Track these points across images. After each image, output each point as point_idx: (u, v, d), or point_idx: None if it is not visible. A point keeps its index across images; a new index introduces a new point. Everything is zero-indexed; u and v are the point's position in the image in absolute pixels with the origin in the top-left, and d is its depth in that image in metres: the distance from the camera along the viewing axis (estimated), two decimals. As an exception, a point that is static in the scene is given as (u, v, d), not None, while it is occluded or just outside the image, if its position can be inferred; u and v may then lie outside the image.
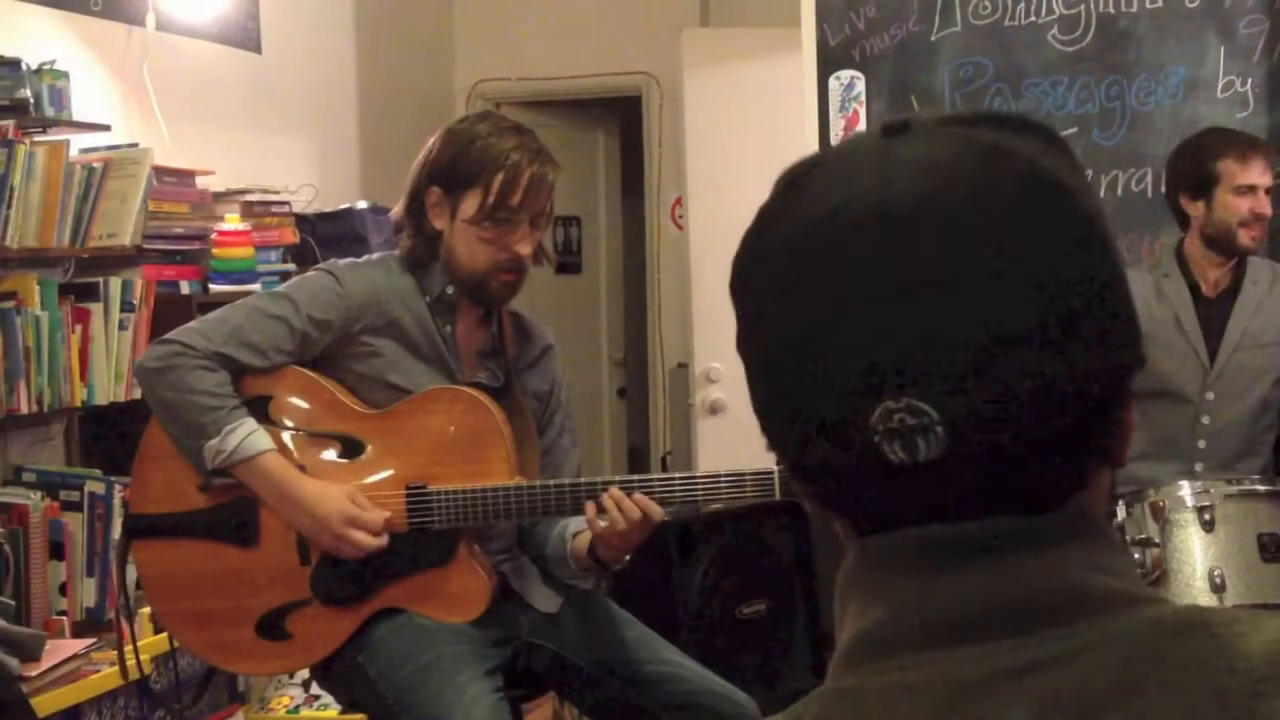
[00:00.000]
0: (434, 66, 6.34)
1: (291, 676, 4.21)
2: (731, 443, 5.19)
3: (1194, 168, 3.74)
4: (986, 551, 0.78)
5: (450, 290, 2.64)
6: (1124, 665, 0.75)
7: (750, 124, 5.38)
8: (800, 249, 0.80)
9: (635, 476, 2.55)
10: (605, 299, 7.24)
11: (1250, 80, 4.37)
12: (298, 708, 4.25)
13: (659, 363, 6.56)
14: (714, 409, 5.53)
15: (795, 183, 0.83)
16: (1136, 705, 0.74)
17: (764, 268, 0.82)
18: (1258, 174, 3.63)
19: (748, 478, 2.53)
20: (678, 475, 2.57)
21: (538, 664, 2.71)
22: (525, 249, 2.62)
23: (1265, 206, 3.64)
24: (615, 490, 2.48)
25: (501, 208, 2.57)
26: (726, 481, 2.55)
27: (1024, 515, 0.79)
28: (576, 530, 2.62)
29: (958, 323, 0.75)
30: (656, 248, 6.51)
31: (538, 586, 2.73)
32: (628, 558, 2.63)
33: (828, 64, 4.81)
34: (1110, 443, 0.82)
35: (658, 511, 2.49)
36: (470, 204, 2.57)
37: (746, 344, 0.84)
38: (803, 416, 0.79)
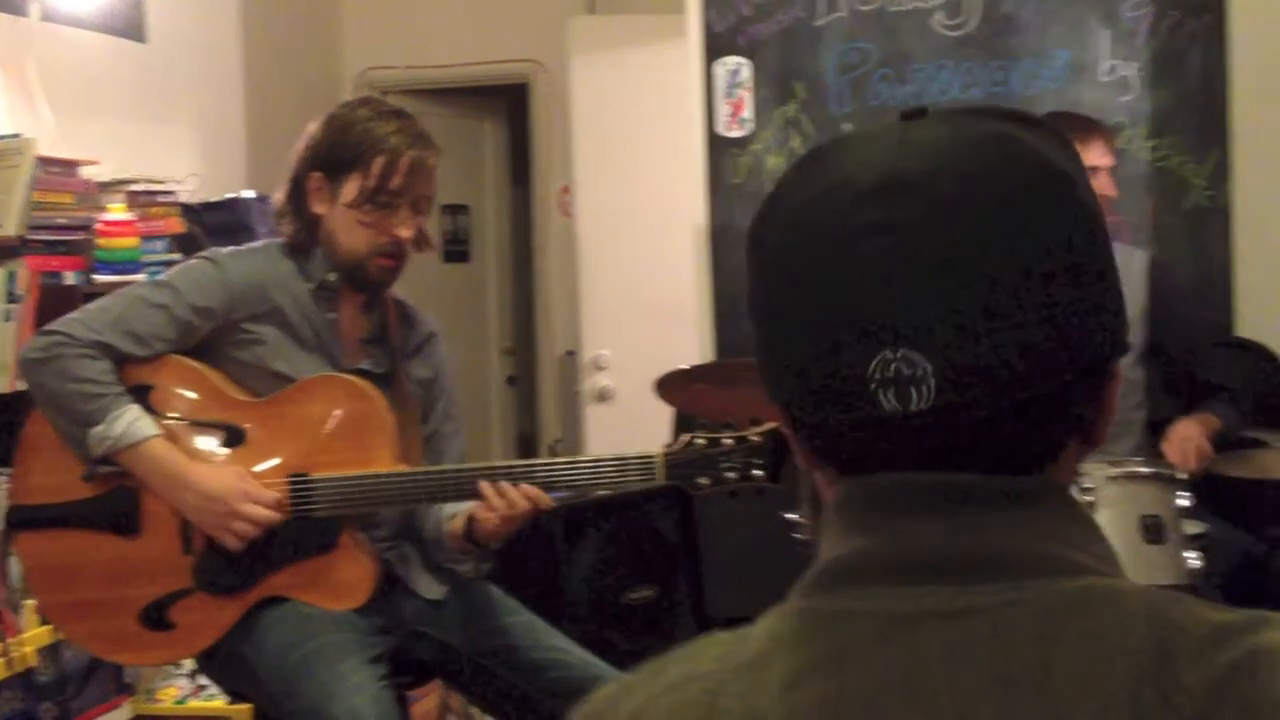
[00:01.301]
0: (321, 54, 6.29)
1: (178, 667, 4.20)
2: (619, 429, 5.18)
3: None
4: (954, 503, 0.83)
5: (332, 276, 2.63)
6: (1044, 622, 0.79)
7: (637, 111, 5.36)
8: (812, 211, 0.86)
9: (519, 462, 2.54)
10: (494, 287, 7.20)
11: (1134, 64, 4.43)
12: (185, 699, 4.23)
13: (548, 351, 6.54)
14: (602, 396, 5.51)
15: (815, 155, 0.90)
16: (1044, 657, 0.78)
17: (777, 228, 0.88)
18: (1097, 156, 3.68)
19: (630, 462, 2.52)
20: (560, 460, 2.56)
21: (423, 651, 2.70)
22: (406, 233, 2.62)
23: (1106, 187, 3.69)
24: (503, 484, 2.46)
25: (381, 191, 2.57)
26: (608, 466, 2.53)
27: (993, 476, 0.84)
28: (453, 513, 2.61)
29: (958, 286, 0.81)
30: (545, 235, 6.49)
31: (422, 574, 2.73)
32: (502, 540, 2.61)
33: (713, 50, 4.81)
34: (1090, 421, 0.88)
35: (546, 500, 2.49)
36: (351, 188, 2.58)
37: (756, 303, 0.90)
38: (805, 366, 0.85)
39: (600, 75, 5.49)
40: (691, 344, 4.76)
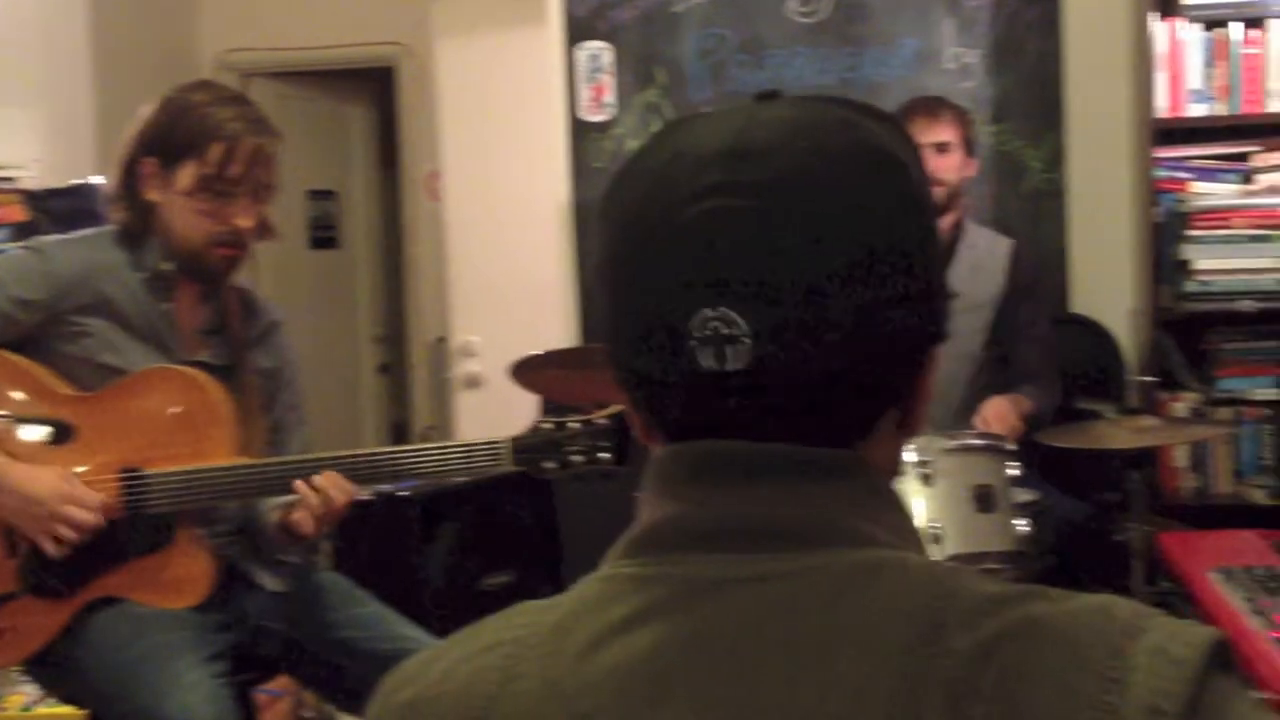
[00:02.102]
0: (176, 34, 6.13)
1: (24, 674, 4.06)
2: (490, 416, 5.17)
3: None
4: (761, 473, 0.86)
5: (167, 266, 2.56)
6: (831, 590, 0.82)
7: (502, 95, 5.35)
8: (659, 175, 0.88)
9: (361, 452, 2.50)
10: (363, 274, 7.14)
11: (976, 51, 4.54)
12: (31, 705, 4.12)
13: (419, 337, 6.50)
14: (472, 382, 5.50)
15: (669, 126, 0.92)
16: (827, 623, 0.81)
17: (625, 193, 0.90)
18: (918, 132, 3.76)
19: (477, 449, 2.51)
20: (405, 449, 2.54)
21: (267, 646, 2.67)
22: (246, 222, 2.55)
23: (933, 164, 3.76)
24: (316, 479, 2.43)
25: (220, 179, 2.50)
26: (455, 454, 2.52)
27: (803, 446, 0.86)
28: (275, 504, 2.56)
29: (783, 252, 0.83)
30: (414, 221, 6.44)
31: (265, 567, 2.68)
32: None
33: (575, 35, 4.83)
34: (905, 403, 0.91)
35: (357, 493, 2.47)
36: (186, 175, 2.50)
37: (601, 267, 0.92)
38: (636, 321, 0.87)
39: (465, 59, 5.46)
40: (559, 328, 4.79)
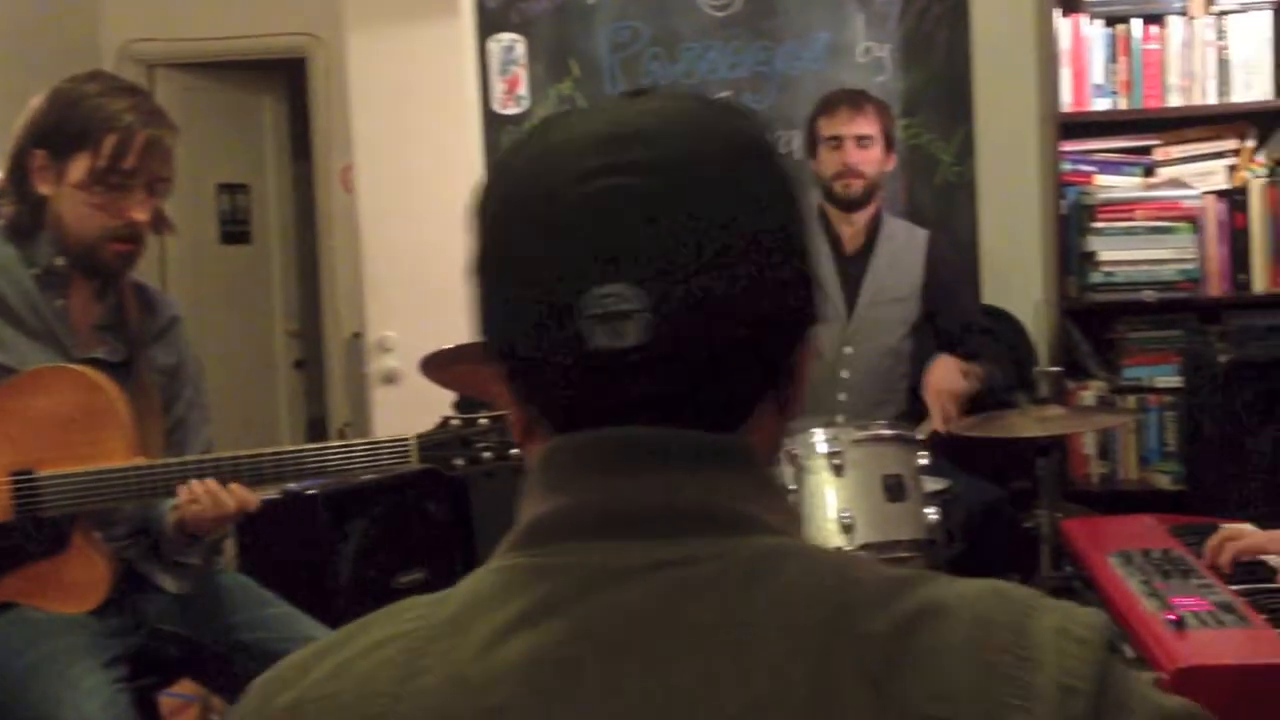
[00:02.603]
0: (78, 25, 5.99)
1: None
2: (408, 411, 5.10)
3: (805, 128, 3.94)
4: (656, 459, 0.86)
5: (60, 261, 2.50)
6: (742, 576, 0.83)
7: (415, 87, 5.31)
8: (536, 166, 0.89)
9: (265, 451, 2.47)
10: (277, 269, 7.05)
11: (886, 45, 4.57)
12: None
13: (334, 333, 6.45)
14: (389, 378, 5.46)
15: (543, 122, 0.93)
16: (739, 608, 0.82)
17: (501, 186, 0.91)
18: (839, 125, 3.79)
19: (382, 446, 2.49)
20: (309, 447, 2.51)
21: (169, 649, 2.63)
22: (140, 216, 2.49)
23: (855, 157, 3.80)
24: (209, 482, 2.40)
25: (113, 171, 2.45)
26: (360, 451, 2.50)
27: (695, 431, 0.87)
28: (173, 505, 2.50)
29: (670, 227, 0.84)
30: (328, 214, 6.38)
31: (165, 569, 2.63)
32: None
33: (487, 26, 4.82)
34: (783, 385, 0.91)
35: (253, 501, 2.44)
36: (79, 168, 2.45)
37: (478, 260, 0.91)
38: (522, 309, 0.86)
39: (377, 50, 5.40)
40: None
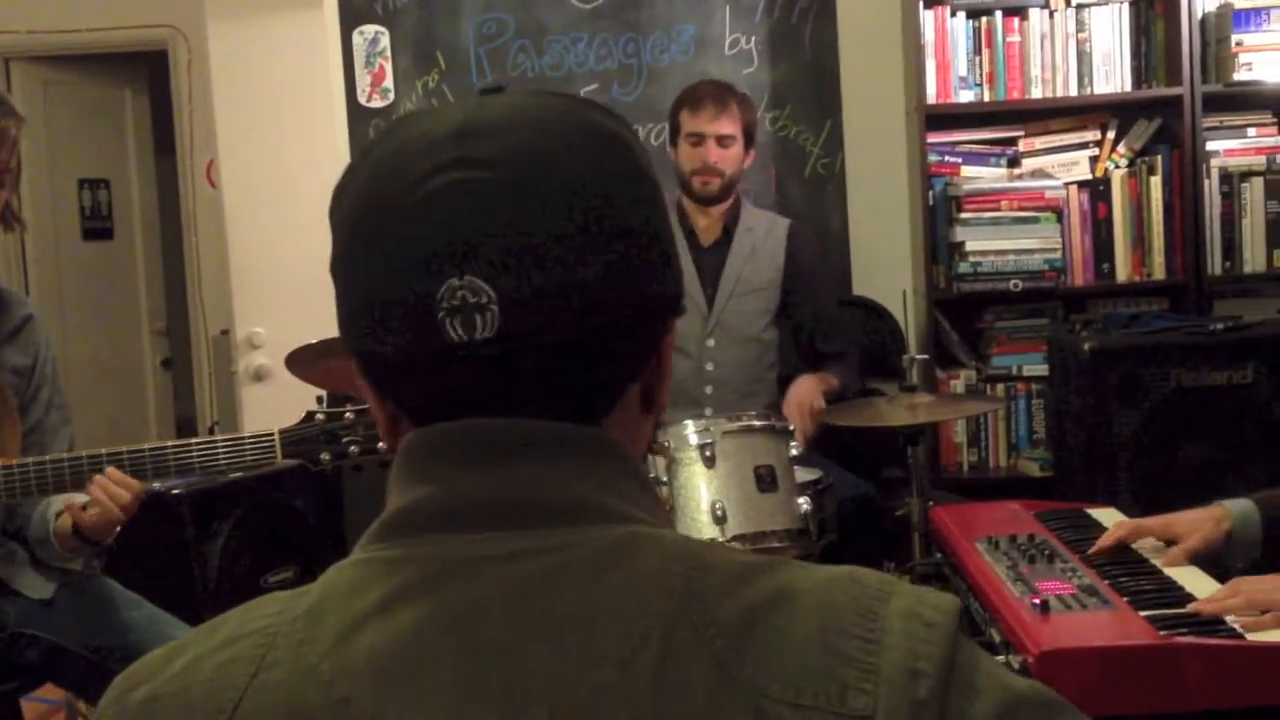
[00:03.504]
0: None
1: None
2: (278, 408, 5.04)
3: (669, 117, 3.95)
4: (512, 450, 0.86)
5: None
6: (592, 565, 0.83)
7: (279, 81, 5.23)
8: (390, 161, 0.89)
9: (125, 449, 2.43)
10: (142, 266, 6.90)
11: (753, 38, 4.60)
12: None
13: (202, 330, 6.33)
14: (258, 375, 5.37)
15: (398, 120, 0.93)
16: (589, 598, 0.82)
17: (356, 183, 0.90)
18: (704, 123, 3.80)
19: (246, 442, 2.46)
20: (170, 444, 2.47)
21: (31, 655, 2.58)
22: None
23: (715, 156, 3.82)
24: (100, 477, 2.36)
25: None
26: (224, 447, 2.46)
27: (553, 422, 0.87)
28: (59, 510, 2.47)
29: (523, 218, 0.84)
30: (193, 209, 6.26)
31: (26, 573, 2.59)
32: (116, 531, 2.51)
33: (351, 18, 4.76)
34: (646, 376, 0.93)
35: (137, 486, 2.41)
36: None
37: (335, 258, 0.91)
38: (379, 304, 0.86)
39: (239, 42, 5.31)
40: (343, 318, 4.69)
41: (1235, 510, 2.46)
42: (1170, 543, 2.48)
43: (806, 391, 3.68)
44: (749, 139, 3.88)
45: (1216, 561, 2.47)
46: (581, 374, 0.87)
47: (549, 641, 0.81)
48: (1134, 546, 2.51)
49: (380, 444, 2.42)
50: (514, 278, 0.84)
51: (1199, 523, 2.47)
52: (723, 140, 3.81)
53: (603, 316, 0.86)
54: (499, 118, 0.89)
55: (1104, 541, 2.52)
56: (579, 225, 0.85)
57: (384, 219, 0.87)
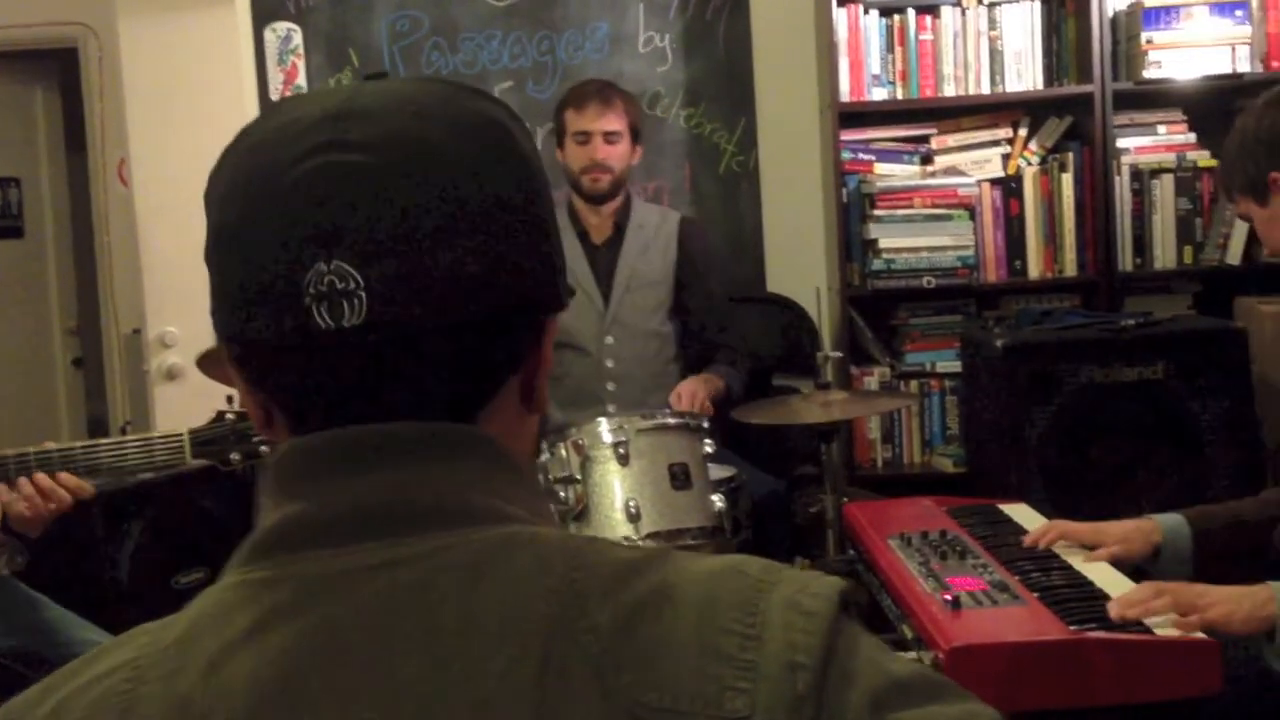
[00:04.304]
0: None
1: None
2: (191, 408, 4.98)
3: (554, 119, 3.97)
4: (381, 456, 0.84)
5: None
6: (468, 571, 0.81)
7: (191, 78, 5.17)
8: (264, 144, 0.87)
9: (31, 449, 2.41)
10: (53, 264, 6.80)
11: (667, 36, 4.60)
12: None
13: (114, 329, 6.24)
14: (171, 374, 5.30)
15: (275, 105, 0.91)
16: (467, 605, 0.80)
17: (225, 169, 0.88)
18: (588, 121, 3.82)
19: (155, 442, 2.44)
20: (77, 445, 2.45)
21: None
22: None
23: (603, 153, 3.83)
24: (39, 475, 2.32)
25: None
26: (132, 448, 2.44)
27: (431, 421, 0.85)
28: None
29: (395, 204, 0.82)
30: (104, 208, 6.16)
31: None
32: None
33: (263, 15, 4.71)
34: (524, 372, 0.90)
35: (88, 489, 2.40)
36: None
37: (209, 243, 0.88)
38: (248, 287, 0.84)
39: (151, 40, 5.25)
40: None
41: (1166, 524, 2.48)
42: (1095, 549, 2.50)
43: (691, 390, 3.69)
44: (635, 135, 3.90)
45: (1142, 575, 2.48)
46: (455, 366, 0.86)
47: (427, 654, 0.79)
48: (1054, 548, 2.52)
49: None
50: (383, 264, 0.82)
51: (1128, 534, 2.48)
52: (609, 136, 3.82)
53: (478, 307, 0.84)
54: (377, 102, 0.87)
55: (1034, 537, 2.54)
56: (454, 212, 0.83)
57: (255, 202, 0.85)
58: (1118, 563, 2.45)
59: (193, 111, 5.04)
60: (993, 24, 4.37)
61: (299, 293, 0.82)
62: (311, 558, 0.82)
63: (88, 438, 6.59)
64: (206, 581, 3.76)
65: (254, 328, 0.84)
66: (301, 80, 4.68)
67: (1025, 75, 4.38)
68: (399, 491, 0.84)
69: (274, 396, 0.88)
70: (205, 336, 3.65)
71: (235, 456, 2.41)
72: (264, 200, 0.84)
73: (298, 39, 4.67)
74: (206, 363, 3.42)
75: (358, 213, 0.82)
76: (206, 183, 0.90)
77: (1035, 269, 4.43)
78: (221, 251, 0.87)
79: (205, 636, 0.82)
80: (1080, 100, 4.35)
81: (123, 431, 6.01)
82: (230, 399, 2.76)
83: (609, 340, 3.87)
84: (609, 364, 3.86)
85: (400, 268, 0.82)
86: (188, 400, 5.25)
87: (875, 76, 4.37)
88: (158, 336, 5.29)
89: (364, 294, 0.82)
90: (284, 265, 0.83)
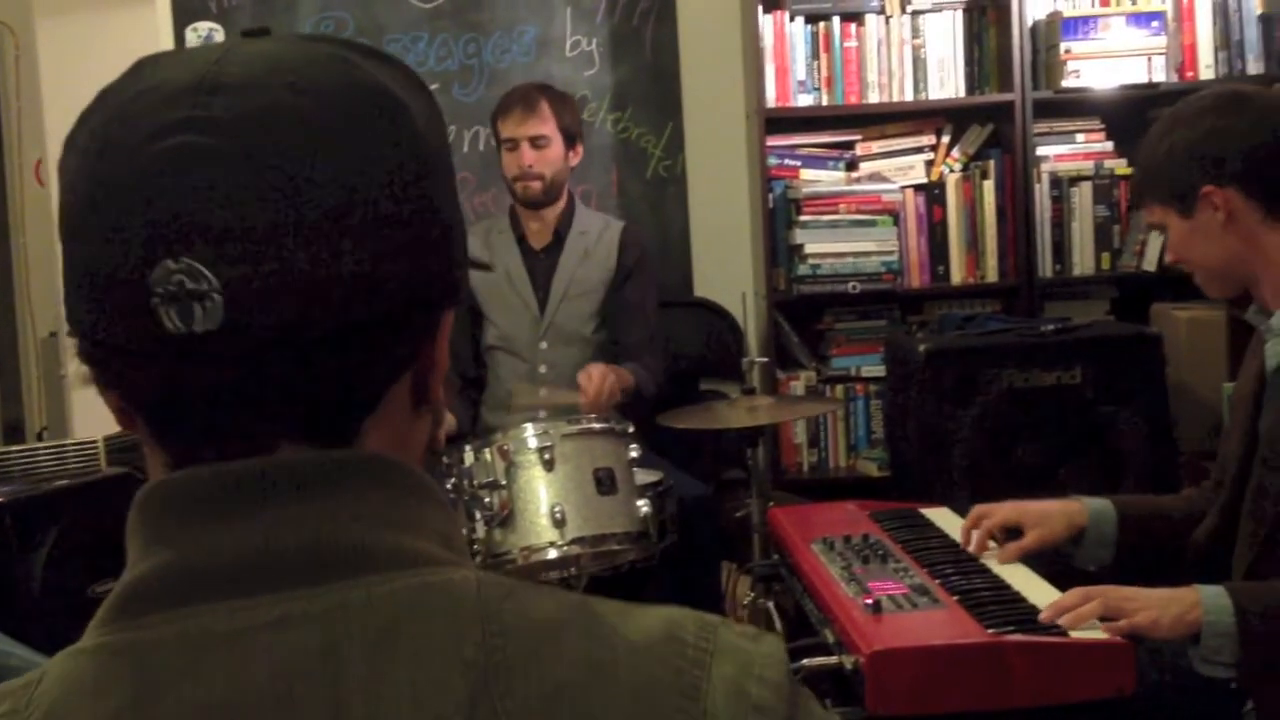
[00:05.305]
0: None
1: None
2: (109, 414, 4.91)
3: (491, 130, 3.97)
4: (261, 494, 0.75)
5: None
6: (376, 631, 0.73)
7: (110, 77, 5.08)
8: (122, 113, 0.77)
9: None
10: (-33, 266, 6.68)
11: (595, 40, 4.60)
12: None
13: (30, 332, 6.15)
14: (89, 379, 5.23)
15: (138, 63, 0.81)
16: (376, 673, 0.72)
17: (83, 137, 0.78)
18: (513, 127, 3.82)
19: (69, 449, 2.40)
20: (-13, 453, 2.39)
21: None
22: None
23: (529, 159, 3.83)
24: None
25: None
26: (45, 455, 2.40)
27: (316, 443, 0.77)
28: None
29: (253, 190, 0.73)
30: (20, 209, 6.07)
31: None
32: None
33: (184, 15, 4.66)
34: (415, 374, 0.81)
35: None
36: None
37: (59, 220, 0.79)
38: (94, 279, 0.75)
39: (69, 40, 5.19)
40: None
41: (1092, 506, 2.50)
42: (1014, 532, 2.51)
43: (603, 365, 3.68)
44: (570, 137, 3.88)
45: (1059, 560, 2.51)
46: (333, 374, 0.76)
47: None
48: (969, 549, 2.54)
49: None
50: (241, 265, 0.72)
51: (1048, 516, 2.49)
52: (536, 141, 3.82)
53: (359, 309, 0.75)
54: (248, 70, 0.76)
55: (964, 536, 2.55)
56: (323, 202, 0.74)
57: (104, 184, 0.75)
58: (1040, 548, 2.47)
59: (112, 112, 4.98)
60: (916, 32, 4.40)
61: (146, 291, 0.73)
62: (195, 614, 0.73)
63: (2, 444, 6.51)
64: (124, 589, 3.72)
65: (100, 326, 0.76)
66: (223, 81, 4.63)
67: (948, 83, 4.42)
68: (292, 535, 0.74)
69: (131, 402, 0.79)
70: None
71: (152, 463, 2.36)
72: (113, 182, 0.75)
73: (219, 39, 4.61)
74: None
75: (213, 205, 0.73)
76: (64, 144, 0.81)
77: (958, 274, 4.47)
78: (68, 234, 0.78)
79: (79, 712, 0.73)
80: (1001, 108, 4.40)
81: (39, 437, 5.93)
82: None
83: (543, 346, 3.87)
84: (542, 369, 3.86)
85: (260, 269, 0.72)
86: (106, 406, 5.19)
87: (801, 83, 4.39)
88: (75, 340, 5.21)
89: (219, 296, 0.72)
90: (132, 259, 0.73)
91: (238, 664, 0.72)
